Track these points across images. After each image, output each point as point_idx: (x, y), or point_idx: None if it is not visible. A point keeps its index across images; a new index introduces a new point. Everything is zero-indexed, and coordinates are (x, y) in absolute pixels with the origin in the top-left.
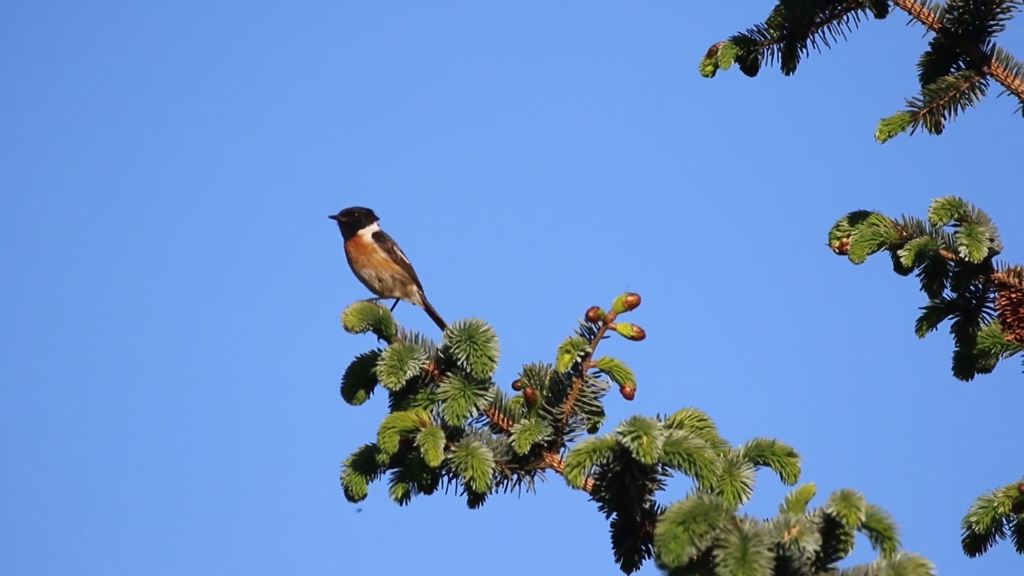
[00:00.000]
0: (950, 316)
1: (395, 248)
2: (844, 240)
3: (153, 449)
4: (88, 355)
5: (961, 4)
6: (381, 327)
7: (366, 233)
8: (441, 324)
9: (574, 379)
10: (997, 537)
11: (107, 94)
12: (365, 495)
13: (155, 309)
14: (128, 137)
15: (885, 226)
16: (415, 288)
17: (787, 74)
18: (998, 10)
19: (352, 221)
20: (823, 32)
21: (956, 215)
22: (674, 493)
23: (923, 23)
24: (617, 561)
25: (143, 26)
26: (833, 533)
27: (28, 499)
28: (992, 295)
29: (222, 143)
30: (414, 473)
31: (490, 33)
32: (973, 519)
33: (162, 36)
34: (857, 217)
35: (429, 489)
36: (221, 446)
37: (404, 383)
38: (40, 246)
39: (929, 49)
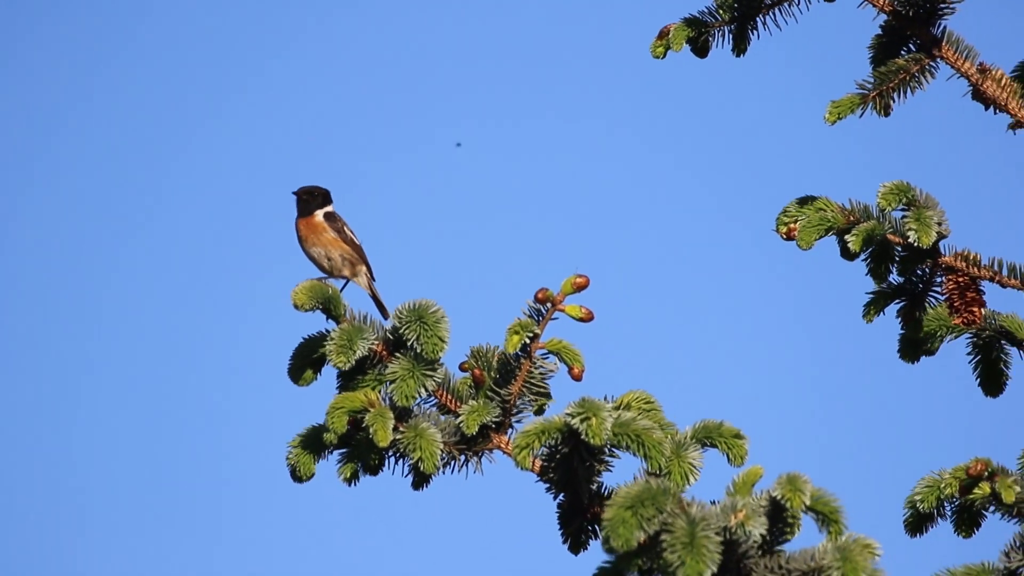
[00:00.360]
0: (897, 300)
1: (345, 228)
2: (792, 226)
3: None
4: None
5: None
6: (330, 306)
7: (319, 213)
8: (383, 311)
9: (522, 360)
10: (939, 519)
11: (98, 93)
12: (312, 475)
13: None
14: (118, 136)
15: (833, 211)
16: (363, 268)
17: (737, 56)
18: None
19: (310, 199)
20: (774, 14)
21: (904, 200)
22: (621, 475)
23: (874, 5)
24: (564, 542)
25: (134, 24)
26: (779, 516)
27: (24, 499)
28: (939, 279)
29: (206, 141)
30: (362, 453)
31: (446, 30)
32: (918, 498)
33: (154, 34)
34: (805, 202)
35: (375, 470)
36: (170, 431)
37: (353, 363)
38: (33, 245)
39: (880, 31)
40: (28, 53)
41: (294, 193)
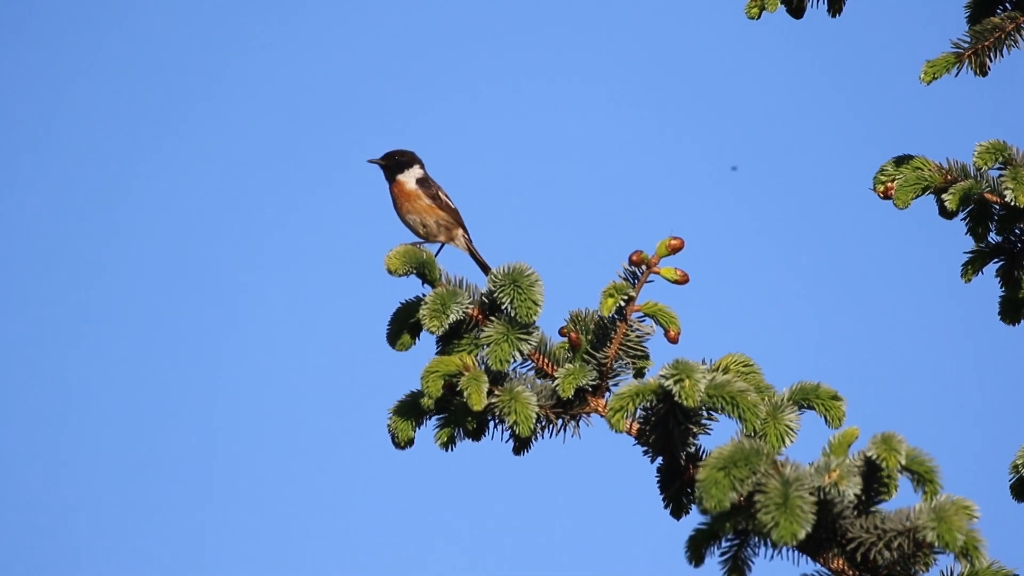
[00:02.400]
0: (995, 260)
1: (439, 193)
2: (888, 184)
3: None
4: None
5: None
6: (425, 271)
7: (409, 179)
8: (485, 268)
9: (618, 323)
10: None
11: (81, 89)
12: (411, 440)
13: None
14: (102, 132)
15: (930, 170)
16: (460, 232)
17: (833, 16)
18: None
19: (393, 165)
20: None
21: (1001, 158)
22: (720, 437)
23: None
24: (666, 507)
25: (115, 20)
26: (875, 476)
27: (23, 498)
28: None
29: (192, 128)
30: (459, 418)
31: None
32: (1020, 463)
33: (136, 29)
34: (901, 161)
35: (475, 435)
36: (256, 400)
37: (447, 327)
38: (22, 244)
39: None
40: (6, 50)
41: (372, 162)
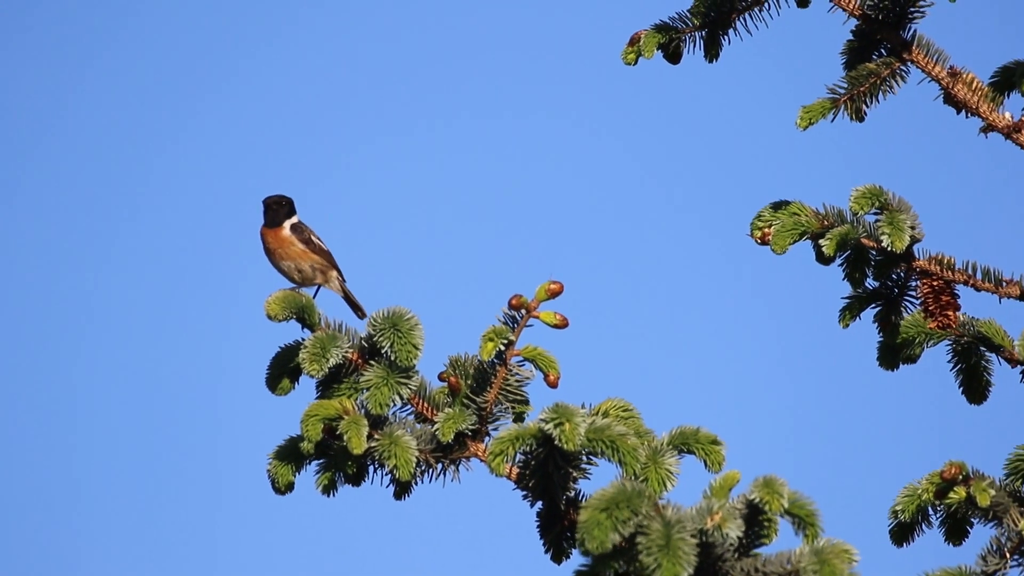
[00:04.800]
0: (873, 305)
1: (312, 237)
2: (766, 230)
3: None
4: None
5: None
6: (304, 316)
7: (286, 225)
8: (358, 310)
9: (498, 367)
10: (924, 527)
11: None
12: (291, 485)
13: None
14: (107, 134)
15: (806, 215)
16: (335, 274)
17: (710, 62)
18: None
19: (279, 209)
20: (745, 19)
21: (877, 203)
22: (599, 481)
23: (844, 9)
24: (546, 551)
25: (113, 23)
26: (756, 519)
27: (21, 498)
28: (914, 283)
29: (185, 139)
30: (339, 462)
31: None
32: (898, 508)
33: (136, 35)
34: (778, 206)
35: (356, 480)
36: (146, 440)
37: (327, 371)
38: (23, 244)
39: (851, 36)
40: (9, 48)
41: (263, 202)
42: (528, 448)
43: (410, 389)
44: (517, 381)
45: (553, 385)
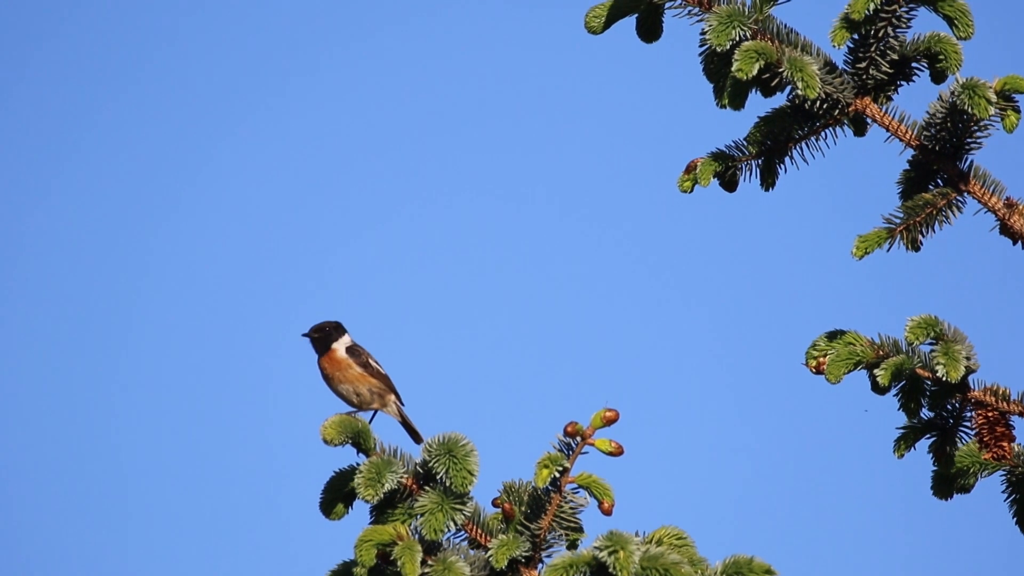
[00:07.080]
0: (928, 435)
1: (370, 360)
2: (821, 359)
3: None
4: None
5: (938, 122)
6: (360, 440)
7: (339, 347)
8: (415, 435)
9: (552, 494)
10: None
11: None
12: None
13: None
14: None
15: (862, 345)
16: (392, 398)
17: (766, 190)
18: (975, 128)
19: (323, 336)
20: (802, 148)
21: (932, 333)
22: None
23: (901, 140)
24: None
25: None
26: None
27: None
28: (969, 414)
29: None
30: None
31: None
32: None
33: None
34: (834, 336)
35: None
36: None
37: (382, 496)
38: (44, 252)
39: (907, 166)
40: (34, 62)
41: (305, 335)
42: (582, 575)
43: (464, 515)
44: (571, 508)
45: (607, 512)
